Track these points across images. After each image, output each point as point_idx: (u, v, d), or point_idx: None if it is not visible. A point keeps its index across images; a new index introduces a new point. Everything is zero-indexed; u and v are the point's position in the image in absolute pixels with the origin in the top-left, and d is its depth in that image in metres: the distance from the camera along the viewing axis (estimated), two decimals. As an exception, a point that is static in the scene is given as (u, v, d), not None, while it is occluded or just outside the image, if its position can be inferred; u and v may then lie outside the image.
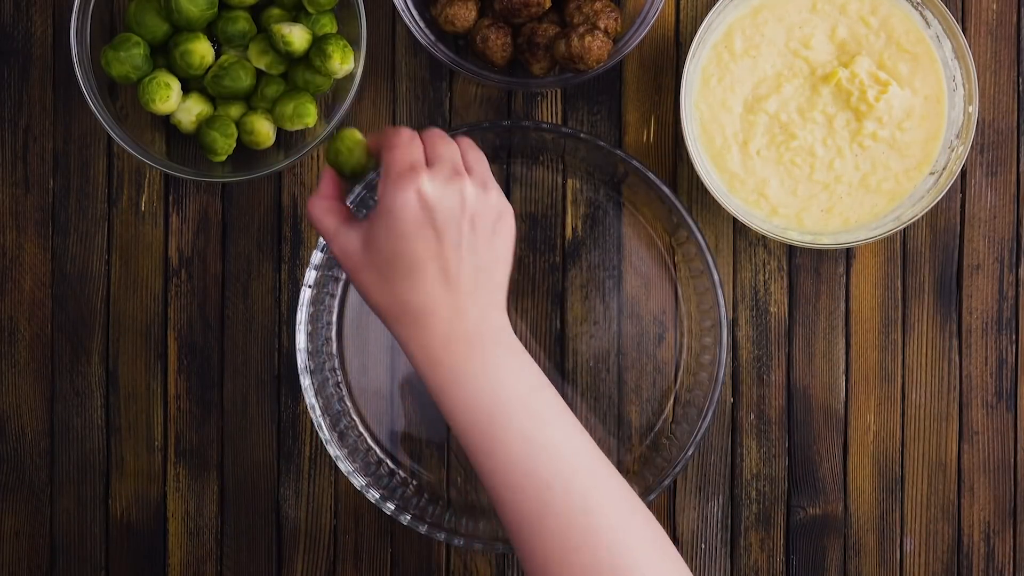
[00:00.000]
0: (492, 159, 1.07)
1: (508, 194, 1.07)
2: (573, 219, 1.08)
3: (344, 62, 1.01)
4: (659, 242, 1.07)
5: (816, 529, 1.08)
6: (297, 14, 1.03)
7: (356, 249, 0.89)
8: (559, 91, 1.07)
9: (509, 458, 0.86)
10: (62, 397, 1.08)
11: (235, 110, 1.04)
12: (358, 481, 1.02)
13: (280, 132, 1.06)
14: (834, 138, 1.04)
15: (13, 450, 1.08)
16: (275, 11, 1.04)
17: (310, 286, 1.03)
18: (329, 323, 1.06)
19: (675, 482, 1.08)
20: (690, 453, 1.03)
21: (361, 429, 1.07)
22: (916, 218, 1.03)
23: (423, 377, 0.88)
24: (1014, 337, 1.09)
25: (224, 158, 1.04)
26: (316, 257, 1.02)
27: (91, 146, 1.07)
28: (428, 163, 0.88)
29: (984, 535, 1.08)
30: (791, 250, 1.08)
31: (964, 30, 1.08)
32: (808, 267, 1.08)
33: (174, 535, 1.08)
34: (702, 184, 1.04)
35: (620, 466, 1.07)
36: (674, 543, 1.08)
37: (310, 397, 1.02)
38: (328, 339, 1.06)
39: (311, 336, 1.03)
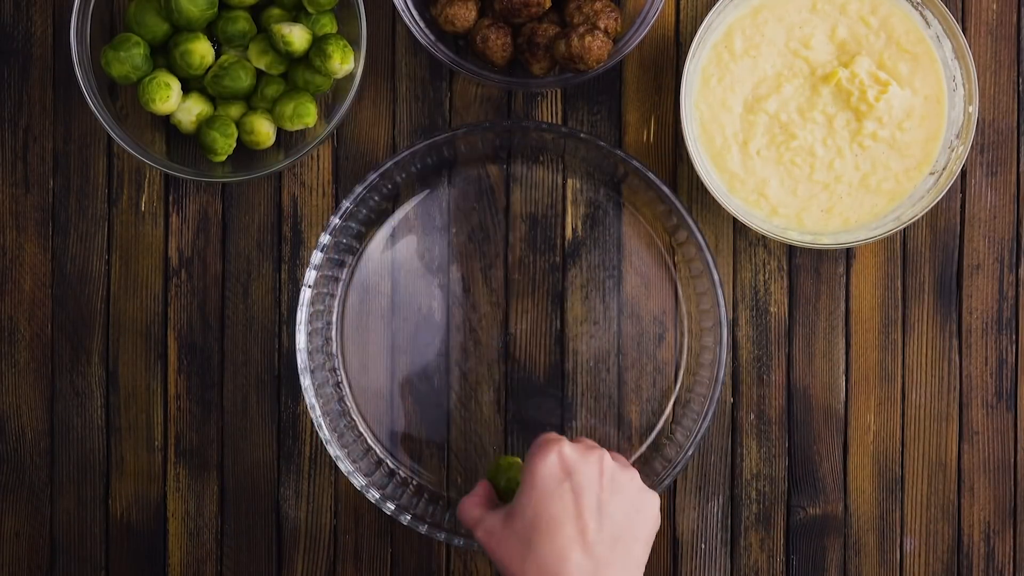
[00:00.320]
0: (492, 159, 1.07)
1: (508, 194, 1.07)
2: (573, 219, 1.08)
3: (344, 62, 1.01)
4: (659, 242, 1.07)
5: (816, 529, 1.08)
6: (297, 14, 1.03)
7: (498, 525, 0.91)
8: (559, 91, 1.07)
9: None
10: (62, 397, 1.08)
11: (235, 110, 1.04)
12: (358, 481, 1.02)
13: (280, 132, 1.06)
14: (834, 138, 1.04)
15: (13, 450, 1.08)
16: (275, 11, 1.04)
17: (310, 286, 1.03)
18: (329, 323, 1.06)
19: (675, 482, 1.07)
20: (690, 453, 1.03)
21: (361, 429, 1.07)
22: (916, 218, 1.03)
23: None
24: (1014, 337, 1.08)
25: (224, 158, 1.04)
26: (316, 257, 1.02)
27: (91, 146, 1.07)
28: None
29: (984, 535, 1.08)
30: (791, 250, 1.08)
31: (964, 30, 1.08)
32: (808, 267, 1.08)
33: (174, 535, 1.08)
34: (702, 184, 1.04)
35: (620, 466, 1.07)
36: (674, 543, 1.08)
37: (310, 397, 1.02)
38: (328, 339, 1.06)
39: (311, 336, 1.03)
